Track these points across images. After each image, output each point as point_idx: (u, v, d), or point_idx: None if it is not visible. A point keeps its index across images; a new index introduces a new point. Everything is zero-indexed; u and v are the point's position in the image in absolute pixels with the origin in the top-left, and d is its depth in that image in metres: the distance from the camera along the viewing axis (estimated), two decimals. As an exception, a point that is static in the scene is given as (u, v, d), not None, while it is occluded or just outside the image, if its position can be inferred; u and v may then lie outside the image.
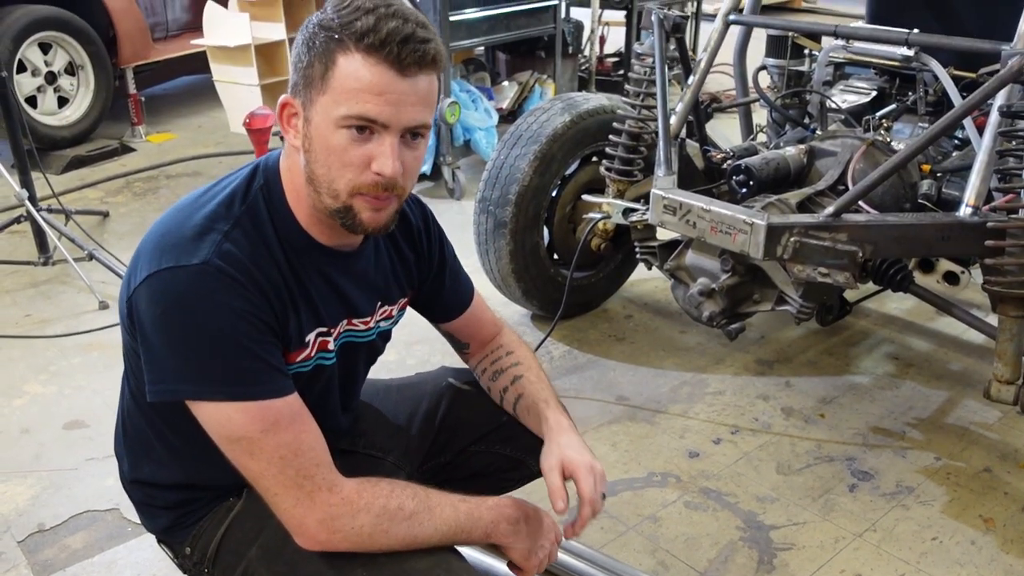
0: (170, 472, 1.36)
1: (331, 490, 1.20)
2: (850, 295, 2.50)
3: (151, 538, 1.96)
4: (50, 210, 3.36)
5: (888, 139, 2.31)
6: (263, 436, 1.17)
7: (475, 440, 1.59)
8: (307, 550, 1.24)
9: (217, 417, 1.17)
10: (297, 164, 1.20)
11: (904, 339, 2.84)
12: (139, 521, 2.03)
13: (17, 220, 3.32)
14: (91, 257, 3.22)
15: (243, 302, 1.16)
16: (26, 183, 3.21)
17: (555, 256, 2.87)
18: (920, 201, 2.24)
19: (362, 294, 1.36)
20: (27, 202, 3.16)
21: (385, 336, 1.47)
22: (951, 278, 2.22)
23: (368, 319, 1.39)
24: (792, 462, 2.24)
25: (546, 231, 2.81)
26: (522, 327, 2.91)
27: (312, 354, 1.30)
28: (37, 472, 2.24)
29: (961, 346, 2.79)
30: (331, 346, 1.33)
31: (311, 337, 1.29)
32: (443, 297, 1.52)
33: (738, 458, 2.26)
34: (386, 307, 1.42)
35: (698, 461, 2.25)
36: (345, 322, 1.35)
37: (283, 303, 1.22)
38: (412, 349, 2.75)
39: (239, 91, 4.15)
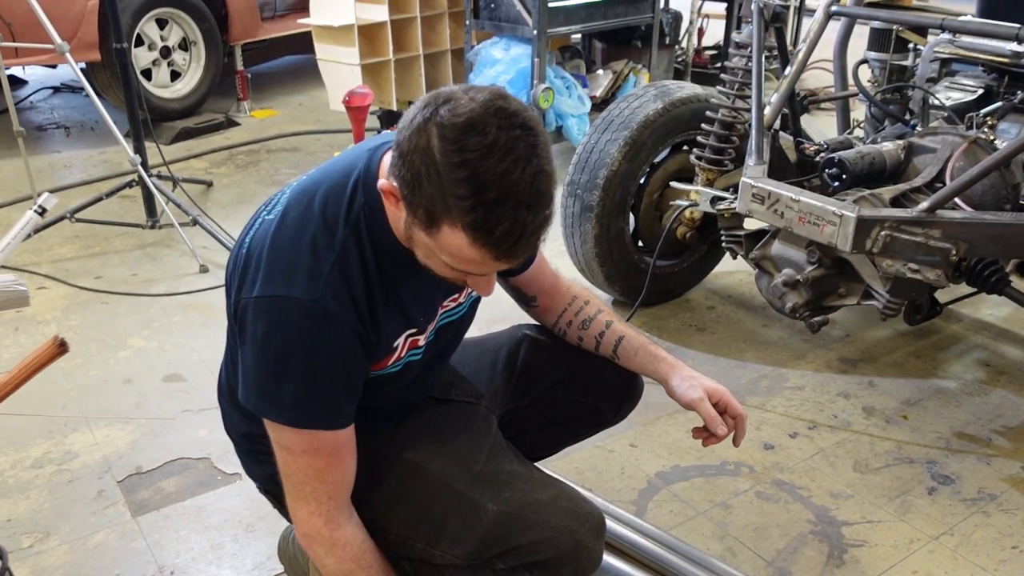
0: None
1: (327, 523, 1.31)
2: (942, 296, 2.44)
3: (240, 487, 2.10)
4: (160, 177, 3.54)
5: (992, 137, 2.24)
6: (302, 454, 1.27)
7: (551, 387, 1.66)
8: (427, 495, 1.36)
9: (272, 426, 1.28)
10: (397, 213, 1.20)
11: (997, 346, 2.75)
12: (229, 471, 2.17)
13: (129, 184, 3.51)
14: (195, 223, 3.38)
15: (337, 344, 1.22)
16: (139, 150, 3.39)
17: (639, 243, 2.88)
18: (1023, 203, 2.17)
19: None
20: (140, 168, 3.34)
21: (475, 304, 1.53)
22: (1051, 284, 2.15)
23: (458, 295, 1.44)
24: (870, 461, 2.21)
25: (632, 218, 2.82)
26: (603, 312, 2.93)
27: (402, 355, 1.37)
28: (137, 420, 2.38)
29: (1059, 357, 2.69)
30: (421, 342, 1.39)
31: (400, 341, 1.35)
32: None
33: (814, 453, 2.24)
34: None
35: (773, 453, 2.24)
36: (440, 309, 1.41)
37: (377, 321, 1.27)
38: (493, 327, 2.79)
39: (340, 70, 4.26)
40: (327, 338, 1.21)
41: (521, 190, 1.05)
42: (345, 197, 1.24)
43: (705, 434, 1.51)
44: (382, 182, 1.16)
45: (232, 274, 1.30)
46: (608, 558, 1.81)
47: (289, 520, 1.65)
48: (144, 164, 3.37)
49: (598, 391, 1.67)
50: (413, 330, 1.35)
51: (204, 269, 3.22)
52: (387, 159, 1.23)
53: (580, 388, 1.67)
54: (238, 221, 3.62)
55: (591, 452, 2.21)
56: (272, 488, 1.57)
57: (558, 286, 1.65)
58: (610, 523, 1.91)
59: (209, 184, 4.09)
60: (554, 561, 1.34)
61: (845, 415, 2.40)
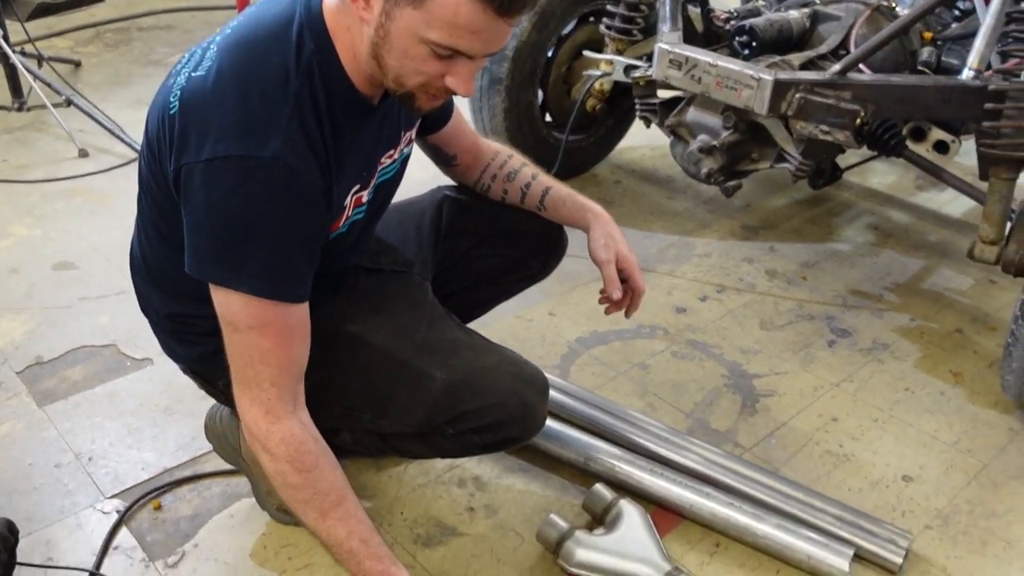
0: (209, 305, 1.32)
1: (266, 414, 1.21)
2: (842, 162, 2.55)
3: (152, 371, 2.03)
4: (24, 53, 3.24)
5: (893, 5, 2.30)
6: (247, 330, 1.18)
7: (477, 243, 1.66)
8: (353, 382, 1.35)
9: (221, 298, 1.19)
10: (359, 32, 1.14)
11: (884, 211, 2.91)
12: (139, 356, 2.09)
13: (-11, 62, 3.20)
14: (69, 103, 3.13)
15: (303, 203, 1.15)
16: (-1, 22, 3.08)
17: (547, 118, 2.86)
18: (919, 68, 2.26)
19: (392, 130, 1.37)
20: (2, 42, 3.04)
21: (405, 163, 1.48)
22: (941, 147, 2.25)
23: (393, 151, 1.40)
24: (775, 319, 2.33)
25: (540, 93, 2.78)
26: (512, 188, 2.92)
27: (349, 214, 1.32)
28: (30, 309, 2.24)
29: (939, 219, 2.87)
30: (365, 198, 1.34)
31: (349, 200, 1.30)
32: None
33: (723, 314, 2.34)
34: (408, 132, 1.43)
35: (685, 316, 2.32)
36: (378, 165, 1.36)
37: (334, 176, 1.21)
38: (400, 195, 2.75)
39: (216, -61, 3.98)
40: (293, 197, 1.14)
41: None
42: (291, 45, 1.16)
43: (607, 301, 1.54)
44: None
45: (161, 139, 1.19)
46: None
47: (217, 400, 1.61)
48: (5, 38, 3.07)
49: (523, 246, 1.68)
50: (358, 186, 1.31)
51: (84, 153, 3.00)
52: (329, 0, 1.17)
53: (505, 243, 1.67)
54: (115, 103, 3.38)
55: (511, 322, 2.24)
56: (199, 368, 1.51)
57: (478, 143, 1.63)
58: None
59: (78, 64, 3.78)
60: (502, 423, 1.38)
61: (750, 278, 2.51)
